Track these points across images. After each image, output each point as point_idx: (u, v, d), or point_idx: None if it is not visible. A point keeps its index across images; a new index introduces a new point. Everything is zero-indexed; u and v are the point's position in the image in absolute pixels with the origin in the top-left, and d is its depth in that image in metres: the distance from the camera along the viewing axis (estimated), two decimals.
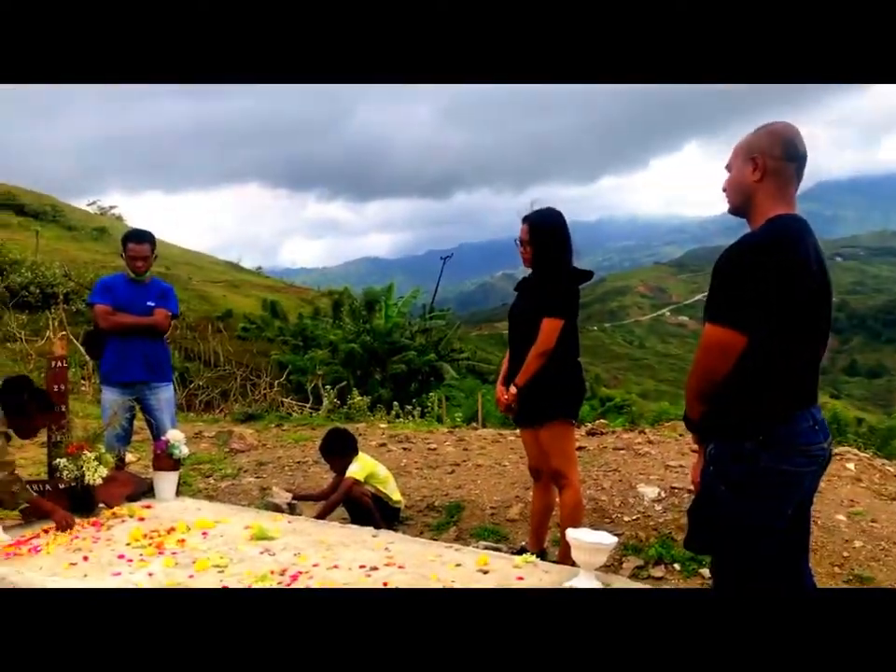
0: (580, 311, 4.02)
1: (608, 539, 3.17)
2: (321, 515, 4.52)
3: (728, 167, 2.40)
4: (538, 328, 3.79)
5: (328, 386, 15.01)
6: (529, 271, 4.02)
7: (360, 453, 4.99)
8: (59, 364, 4.50)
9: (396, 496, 4.98)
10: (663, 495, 4.86)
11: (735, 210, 2.41)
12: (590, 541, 3.12)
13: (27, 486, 3.94)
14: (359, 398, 13.19)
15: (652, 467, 5.49)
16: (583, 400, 4.09)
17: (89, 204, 55.72)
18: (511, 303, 4.22)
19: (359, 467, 4.78)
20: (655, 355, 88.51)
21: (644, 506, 4.78)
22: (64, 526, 3.95)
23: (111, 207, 56.24)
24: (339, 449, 4.91)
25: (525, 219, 3.89)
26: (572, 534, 3.18)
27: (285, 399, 16.48)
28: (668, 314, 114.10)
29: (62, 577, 3.31)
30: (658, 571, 4.04)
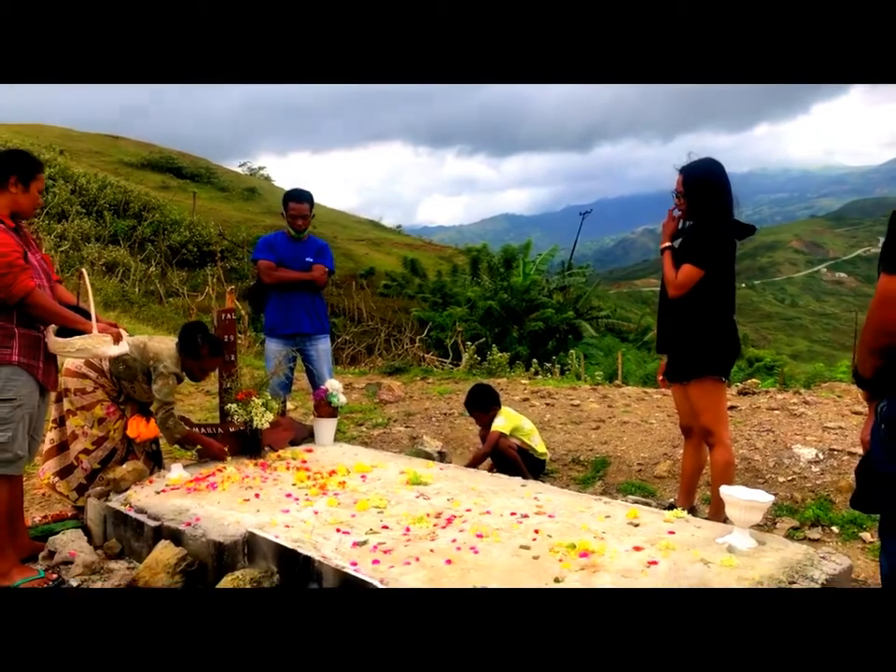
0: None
1: (763, 497, 3.10)
2: (471, 465, 4.67)
3: None
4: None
5: (468, 342, 15.23)
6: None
7: (504, 406, 5.09)
8: (228, 316, 4.84)
9: (541, 448, 5.05)
10: (820, 456, 4.66)
11: None
12: (745, 499, 3.07)
13: (180, 421, 4.29)
14: (499, 354, 13.33)
15: (809, 428, 5.26)
16: (736, 359, 3.97)
17: (239, 166, 58.44)
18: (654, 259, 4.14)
19: (504, 420, 4.88)
20: (809, 314, 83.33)
21: (800, 467, 4.61)
22: (221, 456, 4.41)
23: (260, 168, 58.61)
24: (483, 404, 5.03)
25: (681, 171, 3.78)
26: (726, 490, 3.13)
27: (426, 355, 16.88)
28: (825, 270, 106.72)
29: (238, 511, 3.63)
30: (815, 533, 3.90)
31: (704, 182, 3.73)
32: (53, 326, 3.49)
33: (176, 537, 3.44)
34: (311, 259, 5.18)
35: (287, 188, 5.61)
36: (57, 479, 4.10)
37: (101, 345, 3.56)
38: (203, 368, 4.35)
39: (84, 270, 3.99)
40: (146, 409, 4.34)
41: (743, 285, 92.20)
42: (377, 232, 49.91)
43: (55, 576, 3.43)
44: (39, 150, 24.07)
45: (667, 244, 3.87)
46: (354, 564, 2.89)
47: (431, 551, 3.02)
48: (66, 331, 3.50)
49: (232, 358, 4.75)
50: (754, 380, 7.86)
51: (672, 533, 3.20)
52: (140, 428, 4.23)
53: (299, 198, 5.18)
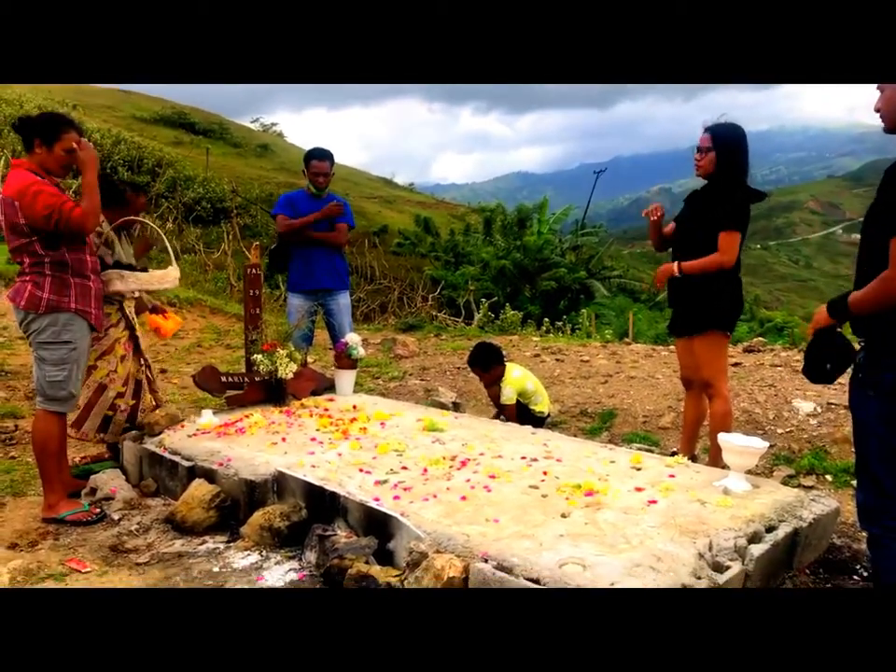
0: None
1: (758, 444, 3.31)
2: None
3: (880, 87, 2.34)
4: (705, 238, 3.84)
5: (482, 299, 15.38)
6: (700, 185, 4.05)
7: (509, 364, 5.18)
8: (253, 271, 5.04)
9: (540, 407, 5.13)
10: (819, 410, 4.87)
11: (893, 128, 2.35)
12: (741, 444, 3.28)
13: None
14: (511, 312, 13.52)
15: (809, 383, 5.45)
16: (740, 316, 4.14)
17: (252, 122, 57.88)
18: (675, 215, 4.25)
19: (512, 391, 4.97)
20: (823, 276, 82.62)
21: (798, 420, 4.82)
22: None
23: (273, 124, 58.20)
24: (482, 362, 5.12)
25: (708, 129, 3.90)
26: (723, 437, 3.34)
27: (438, 314, 17.07)
28: (841, 231, 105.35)
29: (266, 453, 3.88)
30: (809, 481, 4.12)
31: (733, 142, 3.87)
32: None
33: (210, 476, 3.70)
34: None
35: (300, 144, 5.75)
36: (101, 434, 4.31)
37: (170, 276, 4.07)
38: (137, 210, 4.44)
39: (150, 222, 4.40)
40: (154, 309, 4.68)
41: (758, 246, 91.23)
42: (389, 190, 49.78)
43: (98, 510, 3.71)
44: (53, 105, 24.09)
45: (676, 267, 3.95)
46: (376, 499, 3.14)
47: (448, 489, 3.27)
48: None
49: (258, 311, 4.96)
50: (760, 339, 8.03)
51: (672, 476, 3.43)
52: (160, 322, 4.59)
53: (321, 156, 5.34)
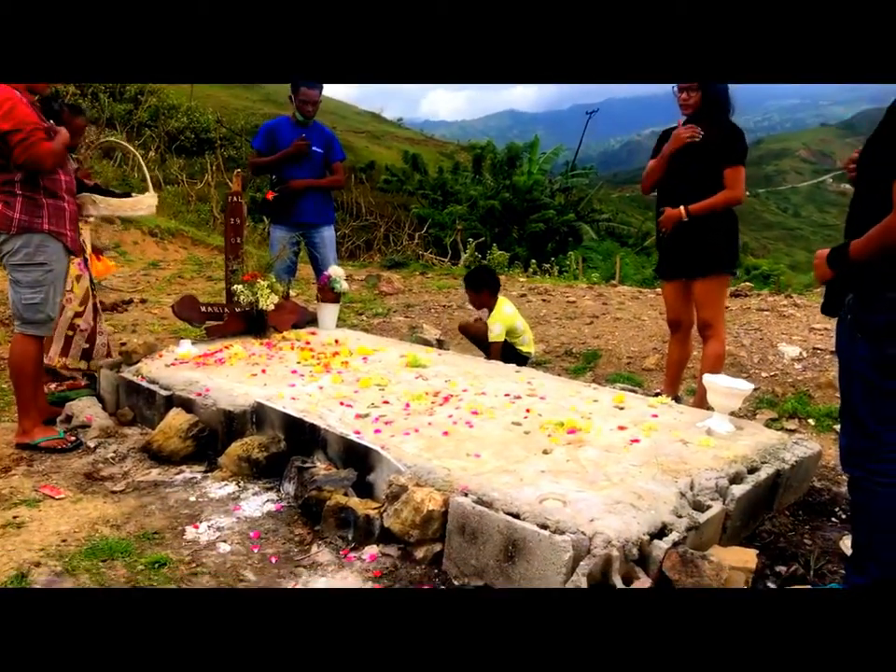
0: None
1: (743, 385, 3.28)
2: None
3: None
4: (700, 174, 3.74)
5: (469, 239, 15.23)
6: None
7: (502, 298, 5.09)
8: (235, 199, 4.90)
9: (526, 348, 5.07)
10: (804, 354, 4.86)
11: None
12: (725, 385, 3.25)
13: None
14: (499, 253, 13.40)
15: (796, 328, 5.45)
16: (738, 255, 4.06)
17: None
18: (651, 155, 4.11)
19: (501, 328, 4.87)
20: (811, 225, 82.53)
21: (783, 364, 4.81)
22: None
23: None
24: (475, 283, 5.02)
25: None
26: (709, 378, 3.31)
27: (424, 253, 16.92)
28: (830, 180, 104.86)
29: (246, 384, 3.82)
30: (792, 424, 4.12)
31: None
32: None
33: (187, 405, 3.63)
34: (317, 149, 5.19)
35: None
36: (64, 359, 4.31)
37: (143, 204, 3.89)
38: (74, 132, 4.09)
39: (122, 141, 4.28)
40: (92, 248, 4.57)
41: (747, 193, 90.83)
42: (377, 125, 48.79)
43: (73, 437, 3.65)
44: None
45: (684, 210, 3.81)
46: (357, 432, 3.09)
47: (429, 424, 3.23)
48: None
49: (239, 241, 4.84)
50: (748, 283, 8.01)
51: (655, 416, 3.41)
52: (97, 266, 4.53)
53: (311, 84, 5.12)
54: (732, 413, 3.35)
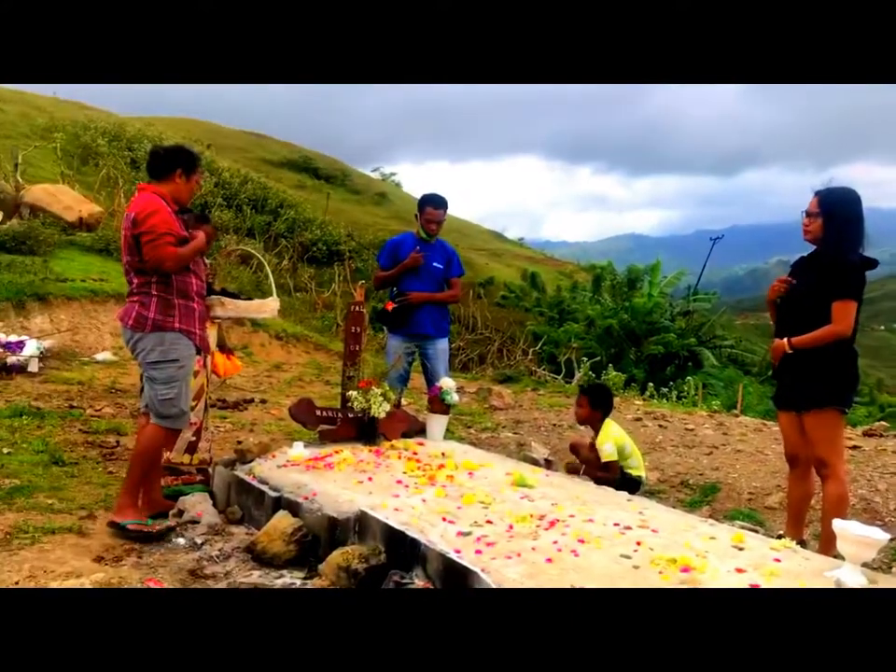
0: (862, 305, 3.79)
1: (878, 534, 3.00)
2: (572, 471, 4.68)
3: None
4: (815, 308, 3.63)
5: (584, 358, 15.10)
6: (808, 252, 3.85)
7: (610, 422, 4.95)
8: (357, 308, 5.10)
9: (636, 471, 4.87)
10: None
11: None
12: (858, 533, 2.98)
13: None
14: (614, 373, 13.18)
15: None
16: (856, 391, 3.85)
17: (372, 170, 59.82)
18: None
19: (612, 448, 4.75)
20: None
21: None
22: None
23: (392, 174, 59.95)
24: (592, 398, 4.95)
25: (817, 193, 3.74)
26: (839, 524, 3.05)
27: (537, 369, 16.87)
28: None
29: (352, 491, 3.83)
30: None
31: (841, 206, 3.69)
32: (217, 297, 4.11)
33: (294, 508, 3.67)
34: (439, 265, 5.37)
35: (416, 194, 5.88)
36: (168, 452, 4.41)
37: (267, 307, 4.13)
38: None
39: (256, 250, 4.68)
40: (222, 348, 4.78)
41: (882, 327, 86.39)
42: (499, 243, 50.06)
43: (158, 527, 3.71)
44: (189, 144, 25.64)
45: (787, 343, 3.75)
46: (457, 551, 3.01)
47: (533, 549, 3.10)
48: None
49: (357, 349, 4.99)
50: (883, 423, 7.47)
51: (778, 560, 3.14)
52: (226, 365, 4.69)
53: (437, 203, 5.36)
54: (864, 565, 3.05)
